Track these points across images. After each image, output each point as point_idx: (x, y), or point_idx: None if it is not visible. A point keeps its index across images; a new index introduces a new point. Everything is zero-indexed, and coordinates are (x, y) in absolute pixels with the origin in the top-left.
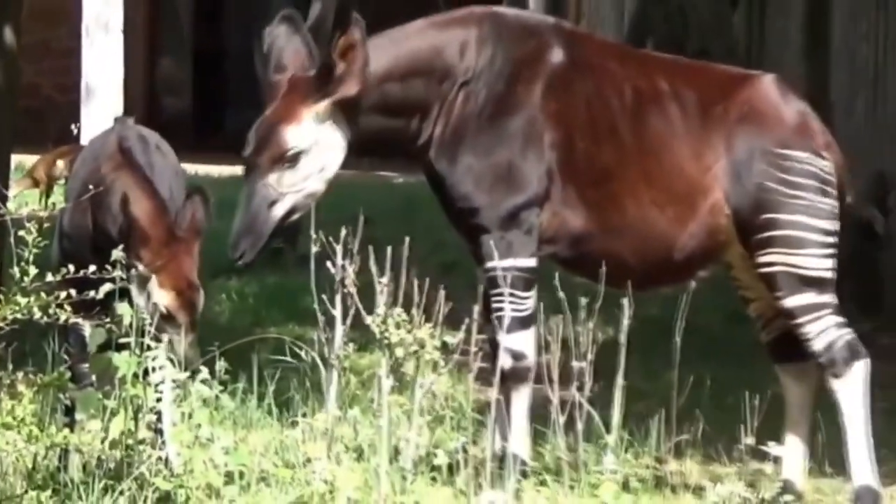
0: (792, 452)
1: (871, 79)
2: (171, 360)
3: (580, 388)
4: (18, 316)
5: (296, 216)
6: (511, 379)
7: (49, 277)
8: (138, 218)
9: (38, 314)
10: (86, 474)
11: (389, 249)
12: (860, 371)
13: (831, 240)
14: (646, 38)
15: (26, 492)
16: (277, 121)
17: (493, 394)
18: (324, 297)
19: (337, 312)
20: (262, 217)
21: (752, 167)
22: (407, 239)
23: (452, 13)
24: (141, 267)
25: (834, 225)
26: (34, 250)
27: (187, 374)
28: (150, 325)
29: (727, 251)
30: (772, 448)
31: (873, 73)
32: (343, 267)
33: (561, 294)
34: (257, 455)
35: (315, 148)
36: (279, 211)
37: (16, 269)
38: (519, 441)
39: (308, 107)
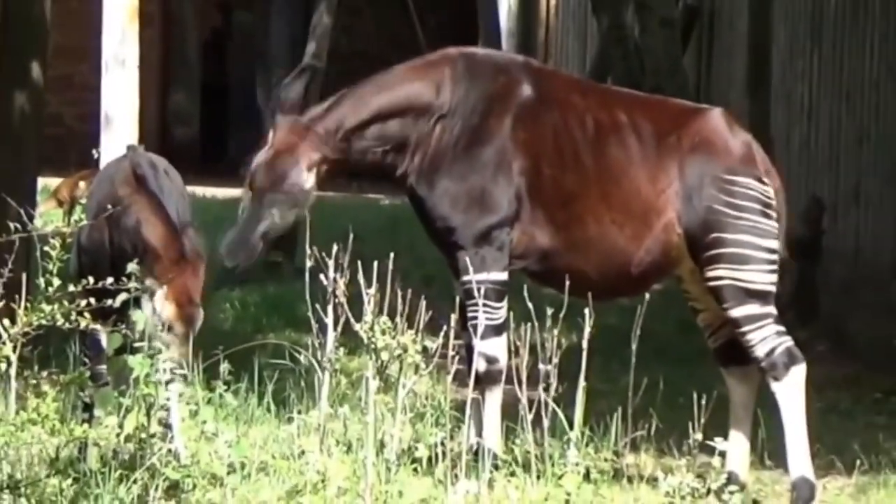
0: (736, 447)
1: (806, 114)
2: (180, 363)
3: (546, 389)
4: (43, 322)
5: (270, 237)
6: (485, 381)
7: (70, 288)
8: (152, 240)
9: (60, 320)
10: (103, 464)
11: (376, 264)
12: (797, 375)
13: (773, 257)
14: (606, 75)
15: (48, 478)
16: (279, 153)
17: (469, 393)
18: (317, 306)
19: (329, 320)
20: (256, 238)
21: (702, 191)
22: (391, 254)
23: (428, 57)
24: (150, 281)
25: (774, 244)
26: (57, 263)
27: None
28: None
29: (678, 266)
30: (718, 443)
31: (808, 108)
32: (334, 279)
33: (529, 304)
34: (257, 448)
35: (298, 187)
36: (261, 228)
37: (41, 280)
38: (492, 436)
39: (306, 153)
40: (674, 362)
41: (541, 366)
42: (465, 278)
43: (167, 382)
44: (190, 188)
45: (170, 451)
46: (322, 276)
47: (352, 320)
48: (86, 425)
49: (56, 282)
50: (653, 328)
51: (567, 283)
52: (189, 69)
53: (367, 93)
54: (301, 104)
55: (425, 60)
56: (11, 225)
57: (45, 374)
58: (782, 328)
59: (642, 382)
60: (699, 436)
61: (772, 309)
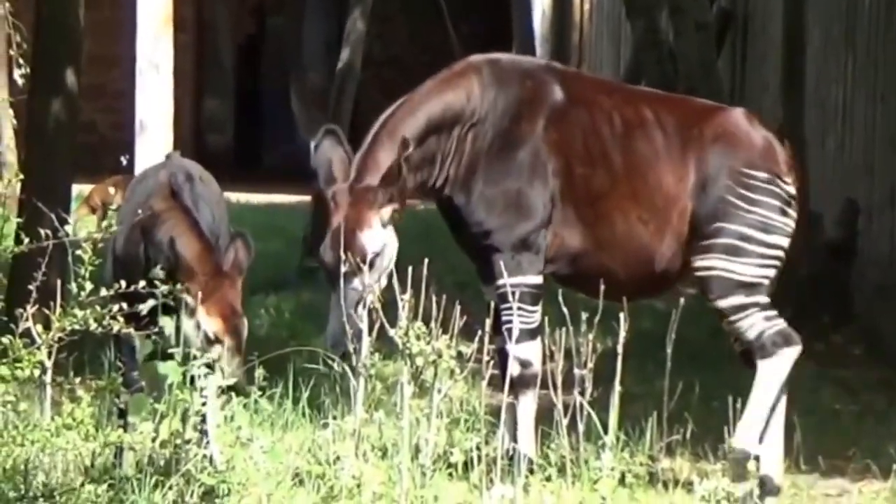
0: (769, 450)
1: (841, 117)
2: (213, 368)
3: (581, 393)
4: (77, 327)
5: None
6: (519, 384)
7: (103, 292)
8: (185, 256)
9: (94, 326)
10: (138, 470)
11: (410, 269)
12: (789, 356)
13: (773, 252)
14: (640, 79)
15: (83, 485)
16: (353, 229)
17: (504, 398)
18: (352, 311)
19: (364, 326)
20: (355, 318)
21: (717, 182)
22: (426, 260)
23: (453, 67)
24: (189, 298)
25: (784, 241)
26: (90, 268)
27: (229, 383)
28: (199, 350)
29: None
30: (753, 448)
31: (842, 112)
32: (369, 285)
33: (564, 309)
34: (292, 454)
35: (385, 249)
36: (362, 309)
37: (74, 285)
38: (526, 440)
39: (376, 213)
40: (708, 366)
41: (576, 370)
42: (501, 282)
43: (202, 389)
44: (224, 195)
45: (205, 456)
46: (356, 282)
47: (386, 326)
48: (121, 431)
49: (88, 286)
50: (687, 332)
51: (594, 284)
52: (223, 75)
53: (400, 122)
54: (342, 160)
55: (451, 71)
56: (44, 232)
57: (79, 380)
58: (772, 313)
59: (677, 386)
60: (734, 440)
61: (759, 298)
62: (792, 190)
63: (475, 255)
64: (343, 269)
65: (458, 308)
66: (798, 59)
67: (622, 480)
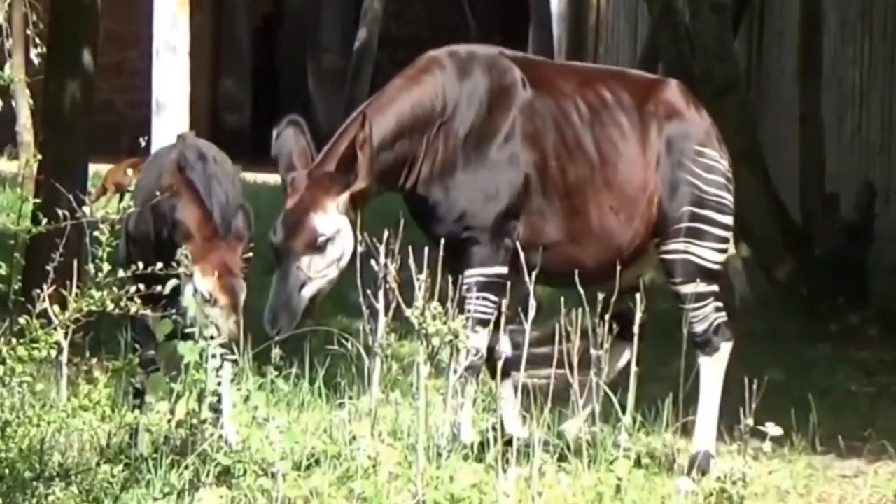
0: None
1: (858, 99)
2: (229, 348)
3: (598, 374)
4: (93, 308)
5: (319, 298)
6: (469, 372)
7: (120, 273)
8: (184, 220)
9: (110, 306)
10: (154, 450)
11: (427, 250)
12: (726, 350)
13: (726, 234)
14: (657, 60)
15: (99, 465)
16: (306, 210)
17: (520, 379)
18: (368, 292)
19: (380, 306)
20: (295, 298)
21: (679, 164)
22: (442, 241)
23: (416, 64)
24: (187, 261)
25: (731, 220)
26: (107, 249)
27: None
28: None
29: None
30: (770, 428)
31: (859, 93)
32: (385, 265)
33: (581, 289)
34: (308, 434)
35: (338, 236)
36: (308, 293)
37: (91, 266)
38: (469, 424)
39: (332, 198)
40: None
41: (592, 351)
42: (472, 272)
43: (217, 368)
44: (241, 175)
45: (221, 436)
46: (373, 262)
47: (403, 306)
48: (137, 411)
49: (106, 267)
50: None
51: (563, 274)
52: (240, 56)
53: (370, 121)
54: (302, 150)
55: (416, 68)
56: (61, 212)
57: (95, 360)
58: (720, 304)
59: (693, 367)
60: (750, 420)
61: (715, 287)
62: (728, 167)
63: (448, 248)
64: (291, 247)
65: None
66: (815, 40)
67: (638, 461)
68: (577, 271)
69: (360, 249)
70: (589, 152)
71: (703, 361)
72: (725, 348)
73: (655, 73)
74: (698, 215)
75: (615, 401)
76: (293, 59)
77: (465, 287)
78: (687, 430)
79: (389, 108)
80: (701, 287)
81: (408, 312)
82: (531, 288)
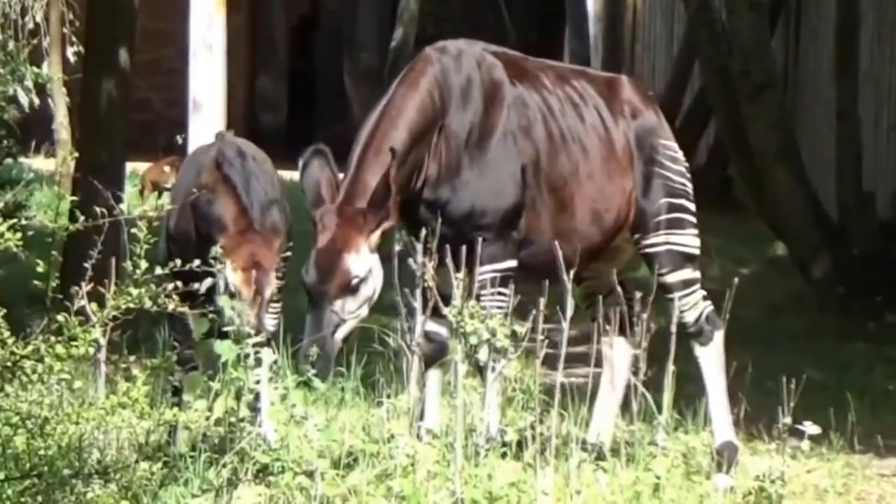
0: (599, 416)
1: (894, 98)
2: (269, 345)
3: (635, 373)
4: (131, 305)
5: (350, 338)
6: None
7: (158, 270)
8: (220, 214)
9: (148, 304)
10: (192, 448)
11: (464, 248)
12: (720, 339)
13: (696, 220)
14: (693, 58)
15: (137, 462)
16: (339, 251)
17: (557, 378)
18: (406, 290)
19: (418, 304)
20: (329, 342)
21: (650, 158)
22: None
23: (412, 66)
24: (220, 253)
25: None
26: (145, 246)
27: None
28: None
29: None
30: (808, 427)
31: None
32: (423, 264)
33: (619, 289)
34: (346, 432)
35: (370, 276)
36: (341, 335)
37: (129, 264)
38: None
39: (364, 238)
40: (762, 346)
41: (632, 350)
42: (485, 269)
43: (255, 367)
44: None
45: (259, 435)
46: (410, 261)
47: (440, 304)
48: (175, 409)
49: (143, 265)
50: (741, 312)
51: (546, 268)
52: (276, 55)
53: (384, 138)
54: (329, 182)
55: (411, 71)
56: (99, 210)
57: (133, 358)
58: (705, 292)
59: (731, 366)
60: (788, 419)
61: (698, 273)
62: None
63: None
64: (325, 290)
65: (511, 286)
66: (852, 38)
67: (676, 460)
68: (564, 262)
69: (397, 248)
70: (573, 147)
71: (701, 353)
72: (718, 336)
73: (691, 72)
74: (674, 205)
75: (651, 400)
76: (329, 59)
77: (478, 284)
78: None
79: (400, 119)
80: (687, 273)
81: (445, 311)
82: (569, 286)
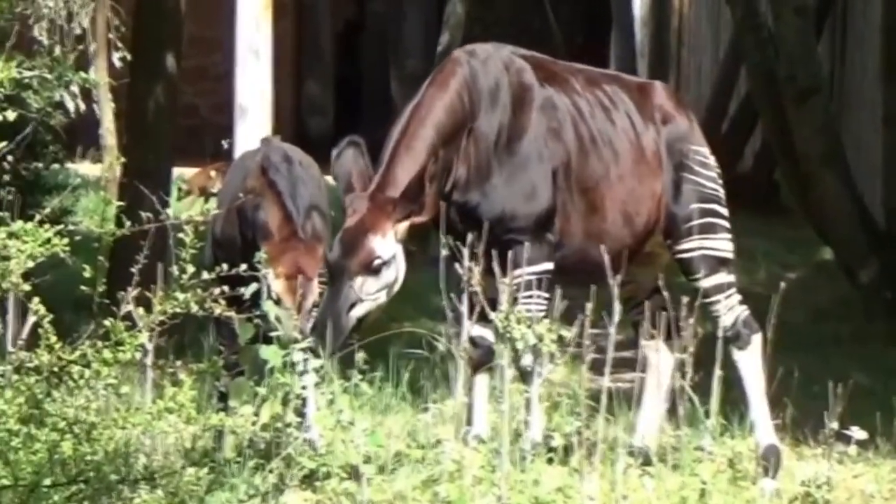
0: (646, 416)
1: None
2: (315, 351)
3: (682, 378)
4: (178, 310)
5: (367, 320)
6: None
7: (205, 275)
8: (264, 221)
9: (194, 308)
10: (238, 454)
11: (510, 253)
12: (758, 343)
13: (729, 225)
14: (739, 63)
15: (184, 468)
16: (366, 231)
17: (604, 383)
18: (452, 295)
19: (464, 309)
20: (343, 317)
21: (680, 163)
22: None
23: (441, 68)
24: (264, 259)
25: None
26: (191, 251)
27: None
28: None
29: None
30: (854, 432)
31: None
32: (469, 268)
33: (665, 293)
34: (393, 437)
35: (393, 262)
36: (357, 313)
37: (175, 268)
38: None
39: (392, 224)
40: (809, 350)
41: (676, 354)
42: (520, 272)
43: (302, 372)
44: (325, 177)
45: (305, 440)
46: (456, 265)
47: (487, 309)
48: (222, 414)
49: (190, 269)
50: (788, 316)
51: (575, 273)
52: (323, 60)
53: (414, 136)
54: (362, 172)
55: (441, 73)
56: (145, 215)
57: (180, 363)
58: (739, 296)
59: (777, 371)
60: (835, 424)
61: (734, 277)
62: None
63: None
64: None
65: (558, 291)
66: None
67: (723, 465)
68: (592, 267)
69: (443, 253)
70: (603, 149)
71: (739, 357)
72: (756, 340)
73: (738, 77)
74: (706, 210)
75: (698, 405)
76: (376, 64)
77: (514, 287)
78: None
79: (429, 119)
80: (722, 277)
81: (492, 316)
82: (615, 291)
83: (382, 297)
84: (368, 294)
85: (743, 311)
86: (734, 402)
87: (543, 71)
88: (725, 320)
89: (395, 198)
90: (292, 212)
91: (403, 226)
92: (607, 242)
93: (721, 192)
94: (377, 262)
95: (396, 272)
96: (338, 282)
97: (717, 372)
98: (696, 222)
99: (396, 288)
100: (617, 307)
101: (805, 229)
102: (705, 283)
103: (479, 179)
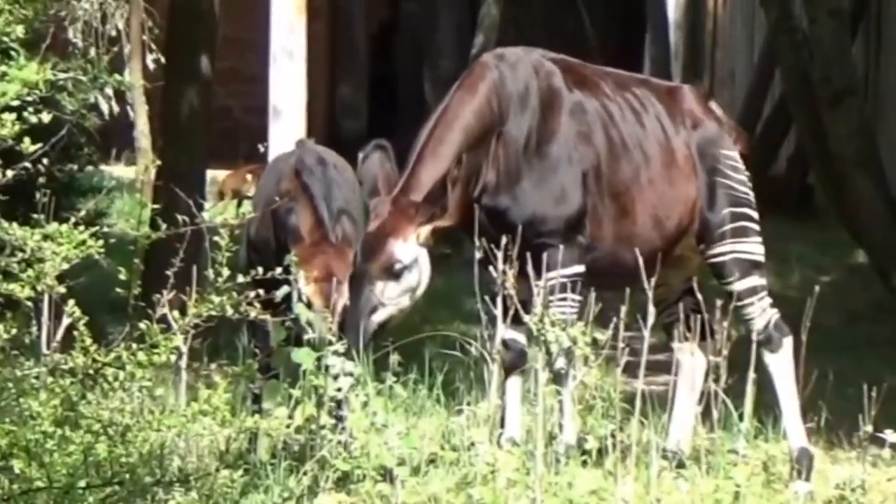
0: (677, 421)
1: None
2: (349, 354)
3: (716, 381)
4: (212, 313)
5: (389, 324)
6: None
7: (240, 278)
8: (296, 224)
9: (230, 311)
10: (272, 456)
11: (545, 255)
12: (789, 346)
13: (759, 227)
14: (774, 65)
15: (218, 470)
16: (387, 235)
17: (638, 385)
18: (486, 298)
19: (498, 312)
20: (363, 321)
21: (711, 168)
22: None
23: (470, 72)
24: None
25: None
26: (226, 254)
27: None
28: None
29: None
30: (889, 435)
31: None
32: (503, 271)
33: (699, 295)
34: (427, 439)
35: (415, 266)
36: (378, 318)
37: (210, 271)
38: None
39: (414, 228)
40: (843, 353)
41: (710, 357)
42: (552, 274)
43: (335, 376)
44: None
45: (339, 442)
46: (491, 268)
47: (521, 312)
48: (256, 417)
49: (225, 272)
50: (822, 319)
51: (605, 277)
52: (357, 62)
53: (440, 140)
54: (387, 176)
55: (470, 76)
56: (181, 218)
57: (214, 365)
58: (770, 299)
59: (812, 374)
60: (869, 427)
61: (765, 281)
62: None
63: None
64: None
65: (592, 294)
66: None
67: (758, 468)
68: (623, 271)
69: (477, 255)
70: (633, 153)
71: (770, 360)
72: (787, 343)
73: (772, 79)
74: (738, 214)
75: (731, 407)
76: (410, 65)
77: (547, 290)
78: (807, 436)
79: (457, 123)
80: (754, 281)
81: (526, 319)
82: (649, 294)
83: (405, 302)
84: (390, 298)
85: (774, 315)
86: (768, 405)
87: (573, 74)
88: (757, 323)
89: (417, 202)
90: (324, 216)
91: (426, 230)
92: (638, 246)
93: (751, 196)
94: (398, 266)
95: (419, 276)
96: (359, 286)
97: (751, 375)
98: (728, 226)
99: (420, 292)
100: (651, 310)
101: (839, 232)
102: (738, 286)
103: (509, 183)
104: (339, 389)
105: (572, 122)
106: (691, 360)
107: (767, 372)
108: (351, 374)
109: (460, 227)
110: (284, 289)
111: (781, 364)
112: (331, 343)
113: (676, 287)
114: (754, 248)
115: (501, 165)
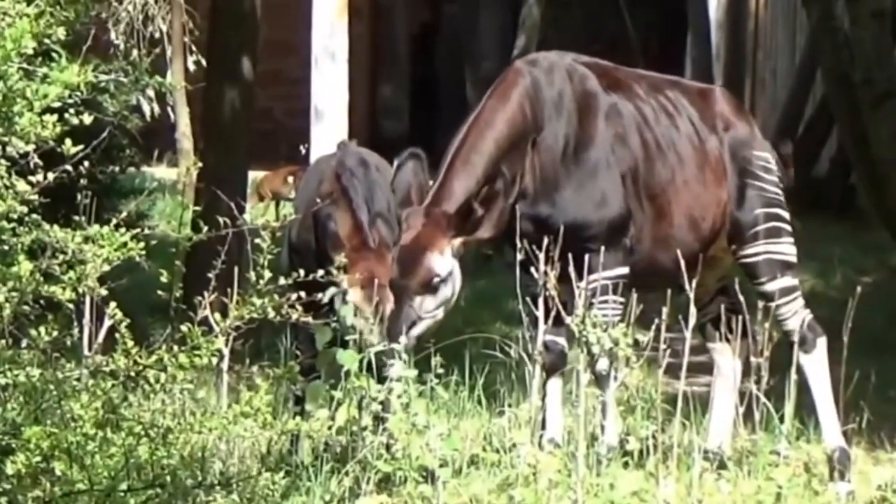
0: (717, 419)
1: None
2: (399, 356)
3: (757, 382)
4: (254, 315)
5: (424, 337)
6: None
7: (281, 281)
8: (337, 230)
9: (271, 314)
10: (314, 458)
11: (587, 257)
12: (823, 347)
13: (791, 228)
14: (815, 67)
15: (260, 473)
16: (423, 248)
17: (680, 386)
18: (528, 299)
19: (539, 313)
20: (404, 338)
21: (742, 169)
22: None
23: (503, 79)
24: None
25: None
26: (268, 256)
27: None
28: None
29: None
30: None
31: None
32: (545, 273)
33: (741, 297)
34: (468, 441)
35: (450, 278)
36: (416, 332)
37: (252, 274)
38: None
39: (448, 240)
40: (885, 354)
41: (752, 359)
42: (595, 276)
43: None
44: None
45: (381, 443)
46: (532, 270)
47: (563, 313)
48: (297, 418)
49: (267, 275)
50: (864, 320)
51: (642, 279)
52: (398, 63)
53: (472, 149)
54: (420, 187)
55: (503, 83)
56: (222, 220)
57: (256, 367)
58: (803, 300)
59: (853, 375)
60: None
61: (798, 281)
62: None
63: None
64: (406, 285)
65: (633, 296)
66: None
67: (799, 469)
68: (659, 273)
69: (519, 257)
70: (668, 154)
71: (805, 361)
72: (822, 344)
73: (814, 81)
74: (770, 215)
75: (772, 409)
76: (451, 67)
77: (589, 292)
78: (847, 438)
79: (489, 131)
80: (787, 281)
81: (568, 320)
82: (691, 295)
83: (440, 314)
84: (427, 311)
85: (807, 315)
86: (809, 406)
87: (607, 78)
88: (791, 324)
89: (449, 213)
90: (363, 221)
91: (458, 241)
92: (674, 247)
93: (782, 197)
94: (436, 280)
95: (453, 288)
96: (397, 302)
97: (793, 376)
98: (761, 227)
99: (452, 303)
100: (693, 311)
101: (881, 233)
102: (770, 286)
103: (547, 190)
104: (390, 391)
105: (608, 125)
106: (726, 359)
107: (802, 372)
108: (407, 379)
109: (499, 237)
110: (331, 290)
111: (815, 364)
112: (379, 346)
113: (711, 287)
114: (787, 249)
115: (538, 172)
